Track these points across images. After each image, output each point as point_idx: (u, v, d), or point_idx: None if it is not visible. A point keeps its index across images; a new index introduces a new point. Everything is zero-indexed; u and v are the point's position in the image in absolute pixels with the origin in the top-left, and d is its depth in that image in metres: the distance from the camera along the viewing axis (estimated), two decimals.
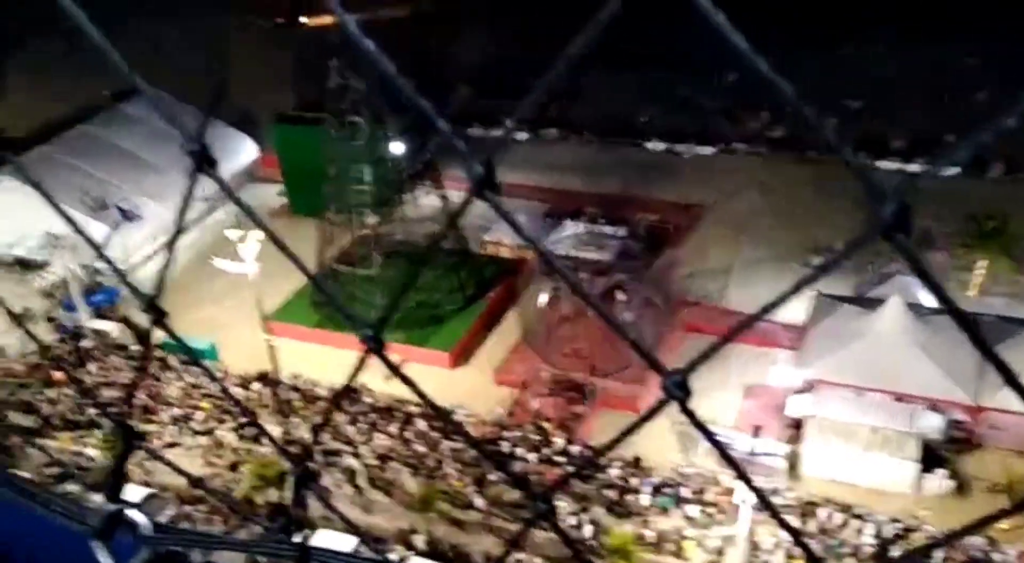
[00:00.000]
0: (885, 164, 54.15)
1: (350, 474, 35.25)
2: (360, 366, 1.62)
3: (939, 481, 34.05)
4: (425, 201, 45.25)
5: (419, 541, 32.39)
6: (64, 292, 45.88)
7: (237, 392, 38.99)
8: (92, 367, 41.45)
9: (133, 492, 31.63)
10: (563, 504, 32.59)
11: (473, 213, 1.39)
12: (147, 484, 33.44)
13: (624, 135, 61.43)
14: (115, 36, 1.64)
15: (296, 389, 40.27)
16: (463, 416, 37.78)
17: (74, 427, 37.95)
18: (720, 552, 31.76)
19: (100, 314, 45.78)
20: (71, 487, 33.14)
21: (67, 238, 44.14)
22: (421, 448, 36.62)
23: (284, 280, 40.48)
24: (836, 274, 39.56)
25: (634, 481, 34.58)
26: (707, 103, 60.93)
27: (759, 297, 40.14)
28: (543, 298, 41.09)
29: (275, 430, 36.48)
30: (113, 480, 2.06)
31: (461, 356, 42.68)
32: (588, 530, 32.28)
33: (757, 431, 34.71)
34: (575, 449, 36.28)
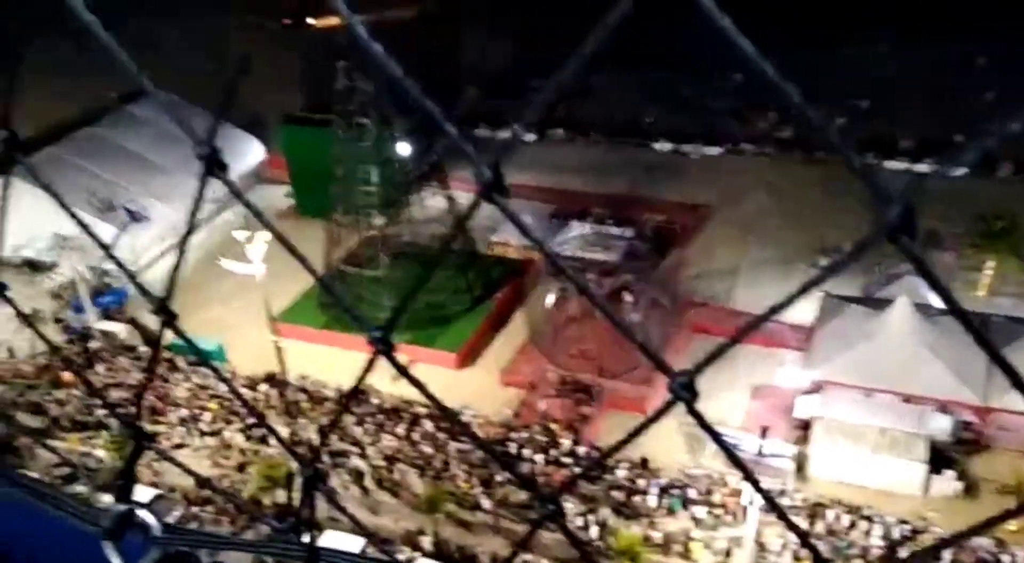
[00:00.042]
0: (893, 164, 54.03)
1: (357, 475, 35.30)
2: (369, 368, 1.63)
3: (948, 482, 33.94)
4: (432, 202, 45.29)
5: (426, 542, 32.42)
6: (72, 293, 46.03)
7: (244, 393, 39.07)
8: (100, 368, 41.56)
9: (141, 493, 31.72)
10: (570, 505, 32.58)
11: (480, 214, 1.39)
12: (155, 485, 33.53)
13: (631, 136, 61.42)
14: (119, 37, 1.65)
15: (303, 390, 40.33)
16: (470, 417, 37.78)
17: (82, 428, 38.07)
18: (727, 554, 31.72)
19: (108, 315, 45.91)
20: (79, 488, 33.24)
21: (75, 240, 44.25)
22: (428, 449, 36.65)
23: (291, 281, 40.58)
24: (844, 275, 39.46)
25: (641, 482, 34.55)
26: (714, 103, 60.89)
27: (766, 298, 40.01)
28: (550, 299, 41.08)
29: (282, 431, 36.55)
30: (124, 481, 2.07)
31: (468, 357, 42.69)
32: (595, 531, 32.27)
33: (765, 432, 34.65)
34: (582, 450, 36.26)
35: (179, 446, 37.00)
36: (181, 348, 40.09)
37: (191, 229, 1.81)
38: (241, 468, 35.93)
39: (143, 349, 43.60)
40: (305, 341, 42.23)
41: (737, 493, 32.85)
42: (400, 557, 30.90)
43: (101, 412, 38.10)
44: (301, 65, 62.05)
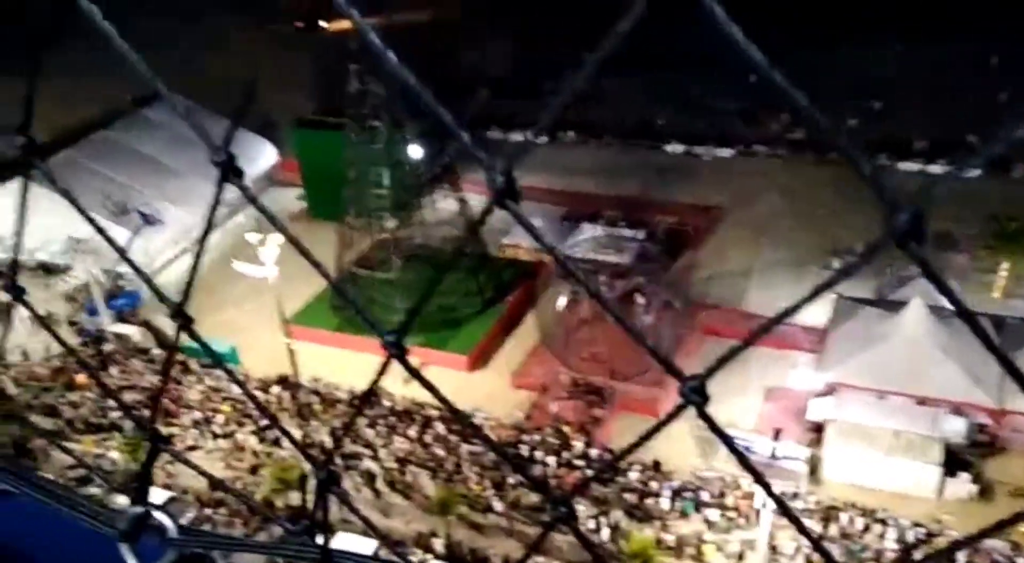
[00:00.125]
0: (906, 165, 53.82)
1: (369, 477, 35.35)
2: (382, 372, 1.64)
3: (962, 485, 33.75)
4: (443, 205, 45.36)
5: (438, 544, 32.44)
6: (86, 296, 46.28)
7: (257, 395, 39.20)
8: (113, 371, 41.78)
9: (155, 495, 31.80)
10: (582, 508, 32.54)
11: (492, 216, 1.40)
12: (168, 487, 33.65)
13: (643, 138, 61.37)
14: (130, 39, 1.67)
15: (316, 392, 40.42)
16: (481, 419, 37.79)
17: (96, 430, 38.25)
18: (740, 556, 31.62)
19: (122, 318, 46.14)
20: (93, 490, 33.37)
21: (89, 242, 44.49)
22: (440, 451, 36.67)
23: (304, 283, 40.69)
24: (857, 277, 39.31)
25: (654, 485, 34.49)
26: (726, 105, 60.76)
27: (779, 300, 39.90)
28: (562, 301, 41.05)
29: (295, 434, 36.66)
30: (140, 483, 2.09)
31: (479, 359, 42.71)
32: (607, 534, 32.22)
33: (778, 434, 34.54)
34: (594, 453, 36.22)
35: (192, 448, 37.14)
36: (195, 351, 40.24)
37: (206, 235, 1.83)
38: (254, 470, 36.04)
39: (156, 352, 43.79)
40: (317, 343, 42.34)
41: (750, 496, 32.75)
42: (412, 559, 30.92)
43: (115, 414, 38.28)
44: (313, 68, 62.27)
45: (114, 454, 36.63)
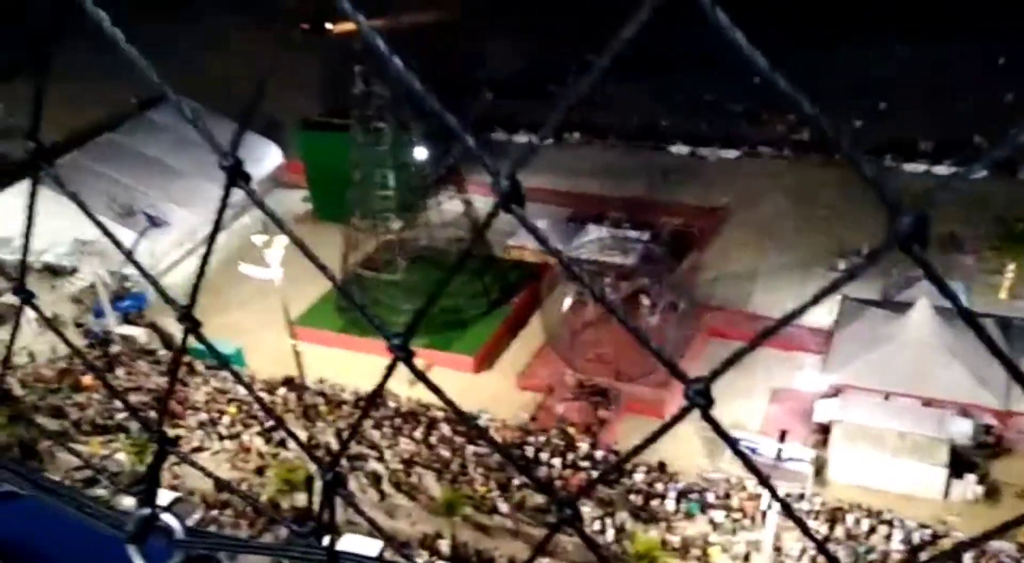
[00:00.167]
0: (912, 167, 53.72)
1: (375, 478, 35.38)
2: (389, 374, 1.65)
3: (969, 487, 33.68)
4: (449, 206, 45.38)
5: (444, 546, 32.45)
6: (92, 298, 46.38)
7: (263, 397, 39.28)
8: (120, 372, 41.87)
9: (161, 497, 31.87)
10: (588, 509, 32.54)
11: (497, 218, 1.41)
12: (174, 488, 33.71)
13: (648, 139, 61.31)
14: (134, 41, 1.67)
15: (321, 394, 40.47)
16: (487, 421, 37.81)
17: (102, 431, 38.33)
18: (746, 558, 31.58)
19: (128, 320, 46.24)
20: (99, 491, 33.44)
21: (95, 244, 44.58)
22: (446, 453, 36.69)
23: (309, 285, 40.77)
24: (863, 278, 39.15)
25: (659, 486, 34.47)
26: (731, 106, 60.69)
27: (784, 301, 39.94)
28: (567, 303, 41.06)
29: (300, 435, 36.72)
30: (148, 484, 2.10)
31: (485, 360, 42.73)
32: (613, 535, 32.21)
33: (783, 436, 34.50)
34: (600, 454, 36.21)
35: (198, 449, 37.21)
36: (201, 353, 40.31)
37: (214, 238, 1.84)
38: (259, 472, 36.08)
39: (163, 353, 43.89)
40: (323, 345, 42.38)
41: (756, 497, 32.73)
42: (418, 561, 30.93)
43: (121, 416, 38.36)
44: (319, 70, 62.35)
45: (120, 456, 36.71)
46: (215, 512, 33.94)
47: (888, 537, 31.81)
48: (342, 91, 45.89)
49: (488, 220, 1.39)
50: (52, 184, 1.95)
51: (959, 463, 34.00)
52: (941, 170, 52.21)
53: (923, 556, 31.06)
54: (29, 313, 2.29)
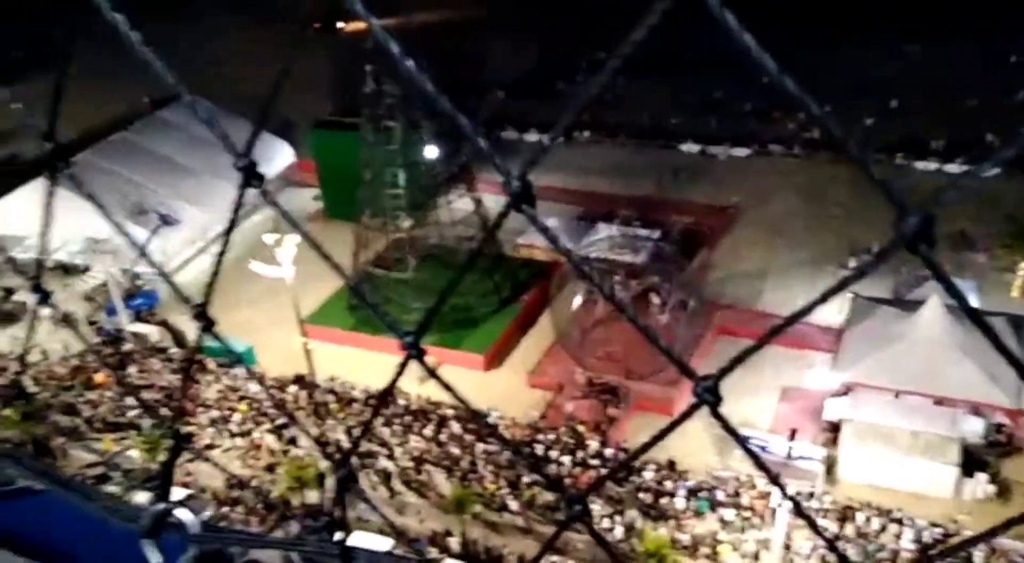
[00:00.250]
0: (924, 165, 53.51)
1: (385, 476, 35.45)
2: (401, 372, 1.67)
3: (980, 485, 33.55)
4: (459, 204, 45.40)
5: (453, 543, 32.50)
6: (105, 296, 46.58)
7: (276, 395, 39.46)
8: (132, 370, 42.06)
9: (173, 494, 32.03)
10: (597, 507, 32.54)
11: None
12: (185, 486, 33.85)
13: (658, 137, 61.19)
14: (145, 40, 1.69)
15: (332, 392, 40.56)
16: (496, 418, 37.85)
17: (115, 429, 38.51)
18: (756, 556, 31.53)
19: (140, 317, 46.43)
20: (111, 488, 33.62)
21: (108, 243, 44.78)
22: (455, 450, 36.73)
23: (319, 283, 40.88)
24: (873, 276, 39.12)
25: (669, 484, 34.44)
26: (742, 104, 60.52)
27: (795, 300, 39.83)
28: (577, 301, 41.04)
29: (311, 432, 36.86)
30: (162, 480, 2.13)
31: (495, 358, 42.75)
32: (622, 533, 32.20)
33: (793, 434, 34.43)
34: (609, 452, 36.20)
35: (209, 447, 37.35)
36: (212, 351, 40.46)
37: (228, 239, 1.87)
38: (270, 469, 36.20)
39: (174, 351, 44.07)
40: (333, 343, 42.48)
41: (765, 495, 32.66)
42: (429, 556, 31.01)
43: (133, 413, 38.54)
44: (330, 69, 62.42)
45: (132, 453, 36.89)
46: (227, 509, 34.08)
47: (899, 536, 31.71)
48: (353, 90, 45.95)
49: (499, 220, 1.41)
50: (68, 185, 1.97)
51: (970, 462, 33.86)
52: (953, 168, 51.96)
53: (934, 554, 30.91)
54: (43, 311, 2.32)
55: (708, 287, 45.34)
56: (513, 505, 33.68)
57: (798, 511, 1.71)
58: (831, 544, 1.92)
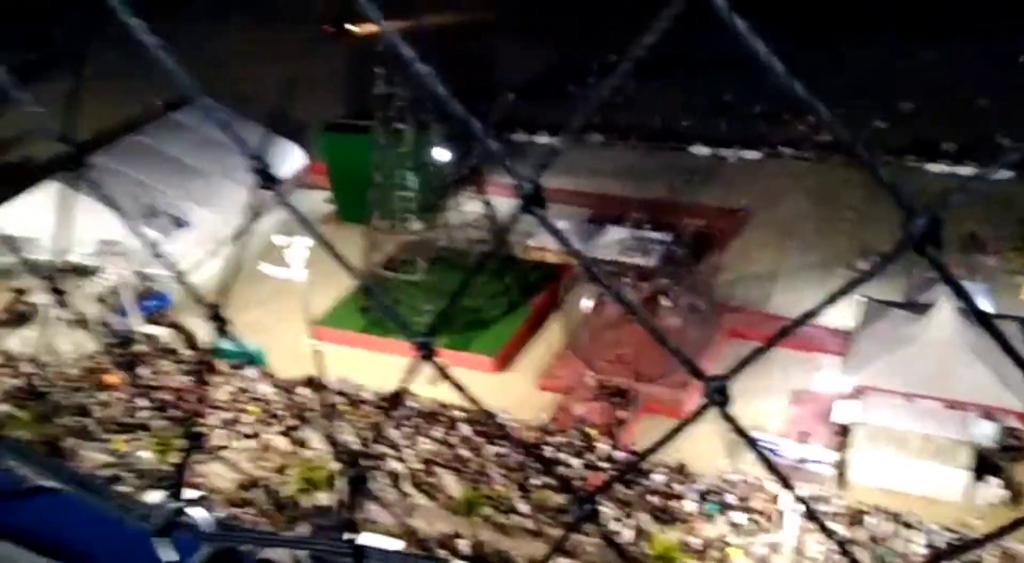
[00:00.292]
0: (935, 167, 53.31)
1: (394, 478, 35.47)
2: (412, 373, 1.69)
3: (992, 489, 33.38)
4: (469, 207, 45.42)
5: (463, 545, 32.49)
6: (116, 298, 46.73)
7: (287, 396, 39.56)
8: (143, 371, 42.21)
9: (186, 495, 32.15)
10: (606, 510, 32.49)
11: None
12: (197, 488, 33.94)
13: (668, 140, 61.13)
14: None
15: (342, 393, 40.62)
16: (506, 421, 37.82)
17: (125, 430, 38.64)
18: (765, 560, 31.44)
19: (151, 319, 46.57)
20: (123, 488, 33.74)
21: (120, 244, 44.93)
22: (465, 452, 36.73)
23: (330, 285, 40.93)
24: (884, 279, 38.98)
25: (679, 487, 34.37)
26: (752, 107, 60.40)
27: (805, 302, 39.45)
28: (587, 303, 41.02)
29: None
30: (176, 479, 2.15)
31: (505, 361, 42.73)
32: (631, 536, 32.14)
33: (804, 437, 34.32)
34: (619, 454, 36.15)
35: (220, 448, 37.44)
36: (227, 353, 40.60)
37: (242, 240, 1.88)
38: (280, 470, 36.27)
39: (186, 352, 44.20)
40: (344, 345, 42.54)
41: (776, 499, 32.56)
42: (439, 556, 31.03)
43: (144, 414, 38.67)
44: (341, 71, 62.61)
45: (143, 453, 37.00)
46: (237, 510, 34.15)
47: (910, 540, 31.57)
48: (364, 93, 46.05)
49: (510, 222, 1.42)
50: (83, 187, 1.99)
51: (982, 466, 33.70)
52: (964, 171, 51.76)
53: (944, 560, 30.76)
54: (55, 312, 2.35)
55: (718, 290, 45.26)
56: (523, 508, 33.66)
57: (809, 514, 1.71)
58: (842, 547, 1.93)
